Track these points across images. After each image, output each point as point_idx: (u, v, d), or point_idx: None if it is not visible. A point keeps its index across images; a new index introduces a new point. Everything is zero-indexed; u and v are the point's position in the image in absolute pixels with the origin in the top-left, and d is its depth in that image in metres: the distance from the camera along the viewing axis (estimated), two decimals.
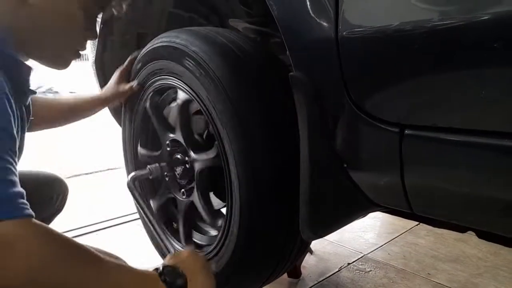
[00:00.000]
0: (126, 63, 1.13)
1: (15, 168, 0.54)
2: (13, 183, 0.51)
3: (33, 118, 0.84)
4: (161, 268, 0.64)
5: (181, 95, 0.96)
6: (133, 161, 1.21)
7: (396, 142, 0.59)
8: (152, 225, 1.03)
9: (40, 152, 3.35)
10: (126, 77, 1.12)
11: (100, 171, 2.74)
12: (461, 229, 0.73)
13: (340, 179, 0.69)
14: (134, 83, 1.09)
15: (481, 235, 0.70)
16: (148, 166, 1.06)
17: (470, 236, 1.62)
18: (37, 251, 0.49)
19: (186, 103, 0.96)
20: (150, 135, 1.17)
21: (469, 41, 0.50)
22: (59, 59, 0.73)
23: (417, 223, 1.75)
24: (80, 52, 0.75)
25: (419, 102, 0.56)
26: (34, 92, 0.75)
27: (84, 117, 1.14)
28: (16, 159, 0.55)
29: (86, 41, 0.75)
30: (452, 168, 0.56)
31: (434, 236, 1.65)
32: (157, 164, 1.07)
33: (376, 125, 0.60)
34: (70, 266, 0.52)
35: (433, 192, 0.60)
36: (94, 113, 1.15)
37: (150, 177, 1.07)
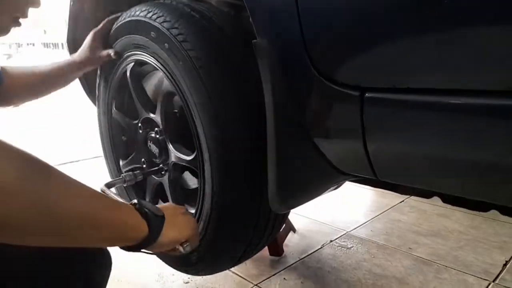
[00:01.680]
0: (102, 24, 1.05)
1: None
2: None
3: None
4: (136, 201, 0.59)
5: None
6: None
7: (357, 106, 0.58)
8: None
9: (26, 141, 3.31)
10: (101, 40, 1.05)
11: (87, 159, 2.72)
12: (427, 194, 0.73)
13: (306, 148, 0.68)
14: (111, 51, 1.02)
15: (446, 199, 0.70)
16: (122, 174, 1.02)
17: (453, 212, 1.64)
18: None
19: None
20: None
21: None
22: None
23: (401, 200, 1.77)
24: (20, 20, 0.71)
25: (377, 64, 0.55)
26: None
27: (60, 85, 1.08)
28: None
29: (27, 8, 0.71)
30: (412, 130, 0.55)
31: (417, 212, 1.66)
32: (130, 172, 1.03)
33: (337, 90, 0.59)
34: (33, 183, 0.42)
35: (395, 157, 0.59)
36: (70, 80, 1.09)
37: (124, 185, 1.03)
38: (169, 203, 0.71)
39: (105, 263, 0.66)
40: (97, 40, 1.05)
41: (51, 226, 0.44)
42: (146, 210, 0.57)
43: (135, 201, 0.58)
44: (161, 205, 0.68)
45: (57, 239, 0.47)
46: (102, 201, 0.51)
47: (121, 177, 1.01)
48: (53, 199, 0.44)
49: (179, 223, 0.64)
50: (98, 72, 1.14)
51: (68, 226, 0.46)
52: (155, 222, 0.58)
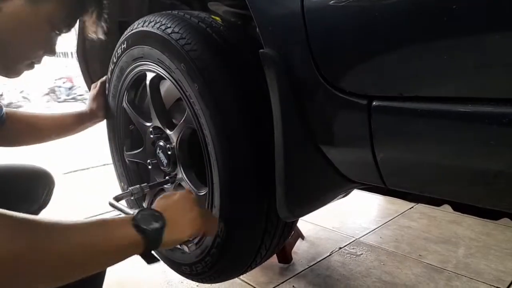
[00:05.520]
0: (98, 85, 1.17)
1: None
2: None
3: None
4: (136, 212, 0.61)
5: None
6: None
7: (365, 114, 0.57)
8: None
9: (36, 149, 3.33)
10: (101, 95, 1.16)
11: (96, 166, 2.75)
12: (437, 202, 0.72)
13: (314, 156, 0.68)
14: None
15: (457, 207, 0.69)
16: (130, 188, 1.04)
17: (464, 218, 1.62)
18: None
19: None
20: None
21: (432, 8, 0.49)
22: (12, 68, 0.72)
23: (410, 206, 1.75)
24: (35, 65, 0.74)
25: (384, 72, 0.55)
26: None
27: (72, 132, 1.18)
28: None
29: (43, 55, 0.73)
30: (420, 138, 0.55)
31: (427, 218, 1.64)
32: (137, 186, 1.04)
33: (345, 98, 0.59)
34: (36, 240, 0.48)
35: (403, 165, 0.59)
36: (81, 129, 1.18)
37: (132, 198, 1.05)
38: (173, 193, 0.70)
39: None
40: (96, 96, 1.16)
41: (59, 269, 0.50)
42: (143, 227, 0.59)
43: (134, 214, 0.61)
44: (165, 196, 0.69)
45: (67, 275, 0.52)
46: (96, 233, 0.55)
47: (128, 190, 1.03)
48: (57, 250, 0.50)
49: (181, 223, 0.64)
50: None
51: (75, 264, 0.52)
52: (153, 234, 0.60)
